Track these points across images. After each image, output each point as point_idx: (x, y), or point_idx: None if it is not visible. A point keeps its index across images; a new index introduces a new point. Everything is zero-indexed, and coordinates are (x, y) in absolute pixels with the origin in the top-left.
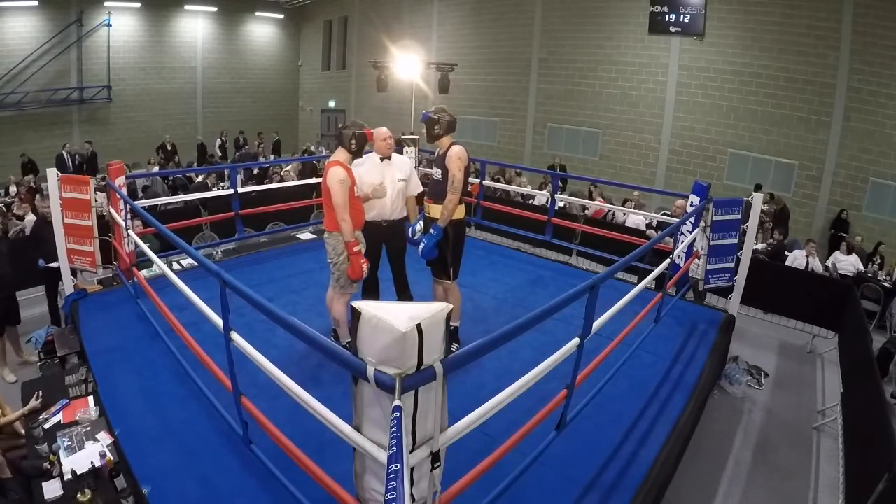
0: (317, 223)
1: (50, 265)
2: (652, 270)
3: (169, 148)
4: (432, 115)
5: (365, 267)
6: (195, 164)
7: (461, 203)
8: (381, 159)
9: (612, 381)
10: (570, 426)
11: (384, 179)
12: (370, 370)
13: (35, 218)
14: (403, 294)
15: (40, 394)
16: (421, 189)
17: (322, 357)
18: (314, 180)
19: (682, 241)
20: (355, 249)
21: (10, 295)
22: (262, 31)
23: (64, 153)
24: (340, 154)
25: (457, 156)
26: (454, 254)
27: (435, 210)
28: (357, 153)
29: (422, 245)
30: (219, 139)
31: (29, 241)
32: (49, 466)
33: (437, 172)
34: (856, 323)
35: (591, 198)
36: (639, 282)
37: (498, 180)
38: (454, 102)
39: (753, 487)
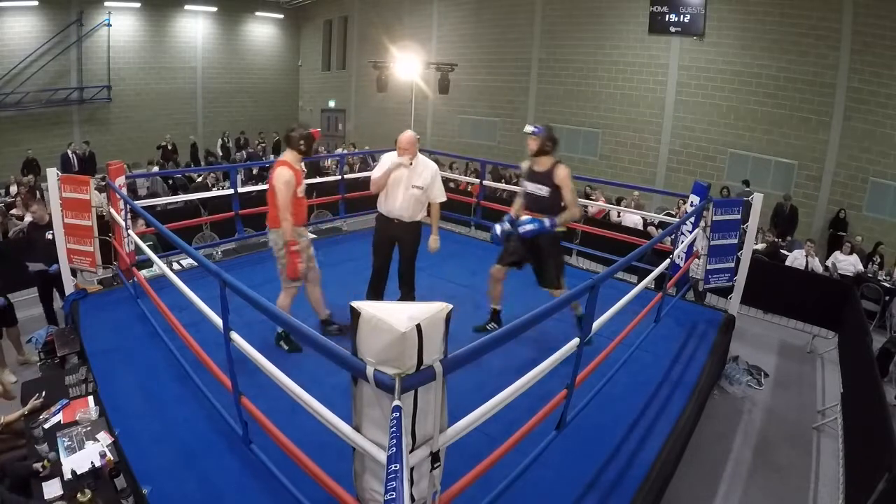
0: (317, 223)
1: (42, 269)
2: (652, 270)
3: (169, 148)
4: (552, 133)
5: (301, 267)
6: (191, 164)
7: None
8: None
9: (612, 381)
10: (570, 426)
11: (400, 181)
12: (370, 370)
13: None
14: (407, 295)
15: (42, 394)
16: (444, 198)
17: (322, 357)
18: (316, 180)
19: (682, 241)
20: (293, 248)
21: (3, 297)
22: (262, 31)
23: (69, 153)
24: (288, 155)
25: (568, 176)
26: (557, 262)
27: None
28: (307, 153)
29: (529, 227)
30: (220, 139)
31: (22, 244)
32: (42, 469)
33: (537, 188)
34: (856, 323)
35: (587, 198)
36: (639, 282)
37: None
38: (454, 102)
39: (753, 487)
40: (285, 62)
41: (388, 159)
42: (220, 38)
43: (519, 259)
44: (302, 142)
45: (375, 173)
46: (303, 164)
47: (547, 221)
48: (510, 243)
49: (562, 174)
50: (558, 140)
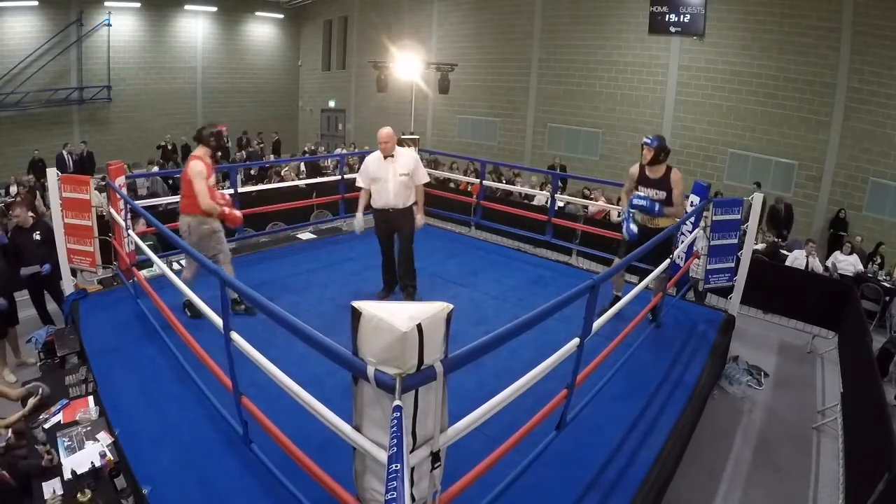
0: (317, 223)
1: (31, 272)
2: (652, 270)
3: (169, 148)
4: (664, 143)
5: (238, 213)
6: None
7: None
8: (385, 157)
9: (612, 381)
10: (570, 426)
11: (387, 174)
12: (370, 370)
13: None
14: (408, 277)
15: (40, 390)
16: (427, 179)
17: (322, 357)
18: (317, 180)
19: (683, 241)
20: (227, 211)
21: (8, 296)
22: (262, 31)
23: (64, 153)
24: (200, 150)
25: (681, 179)
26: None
27: (653, 222)
28: (216, 148)
29: (642, 202)
30: None
31: (10, 249)
32: (50, 458)
33: (655, 192)
34: (856, 323)
35: (586, 198)
36: (639, 282)
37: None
38: (454, 102)
39: (753, 487)
40: (285, 62)
41: (372, 160)
42: (220, 38)
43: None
44: (212, 139)
45: (360, 181)
46: (219, 155)
47: (656, 206)
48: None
49: (676, 177)
50: (670, 150)
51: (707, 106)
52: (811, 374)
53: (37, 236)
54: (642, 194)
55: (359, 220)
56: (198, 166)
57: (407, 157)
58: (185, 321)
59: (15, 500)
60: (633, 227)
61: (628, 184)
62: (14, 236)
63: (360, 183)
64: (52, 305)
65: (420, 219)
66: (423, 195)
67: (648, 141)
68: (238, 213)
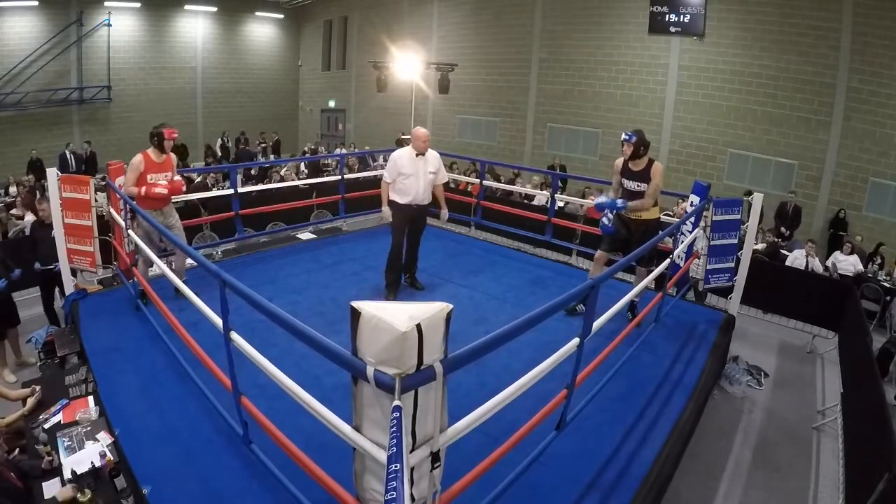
0: (317, 223)
1: (46, 268)
2: (652, 270)
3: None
4: (643, 137)
5: (157, 189)
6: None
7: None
8: (417, 155)
9: (612, 381)
10: (570, 426)
11: (418, 171)
12: (370, 370)
13: (34, 219)
14: (411, 264)
15: (37, 388)
16: (447, 179)
17: (321, 357)
18: (317, 180)
19: (682, 241)
20: (141, 193)
21: (7, 297)
22: (262, 31)
23: (67, 153)
24: (150, 148)
25: (662, 171)
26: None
27: (635, 214)
28: (159, 146)
29: (601, 199)
30: (220, 139)
31: (26, 243)
32: (50, 460)
33: (636, 185)
34: (856, 323)
35: (585, 198)
36: (637, 282)
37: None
38: (454, 102)
39: (753, 487)
40: (285, 62)
41: (403, 157)
42: (220, 38)
43: (621, 245)
44: (155, 138)
45: (388, 176)
46: (172, 155)
47: (619, 201)
48: (617, 232)
49: (657, 169)
50: (650, 143)
51: (707, 106)
52: (811, 374)
53: (54, 233)
54: (603, 196)
55: (386, 211)
56: (136, 159)
57: (434, 157)
58: (185, 321)
59: (22, 502)
60: (607, 221)
61: (616, 178)
62: (35, 230)
63: (387, 178)
64: (58, 303)
65: (444, 213)
66: (443, 193)
67: (627, 137)
68: (160, 189)
